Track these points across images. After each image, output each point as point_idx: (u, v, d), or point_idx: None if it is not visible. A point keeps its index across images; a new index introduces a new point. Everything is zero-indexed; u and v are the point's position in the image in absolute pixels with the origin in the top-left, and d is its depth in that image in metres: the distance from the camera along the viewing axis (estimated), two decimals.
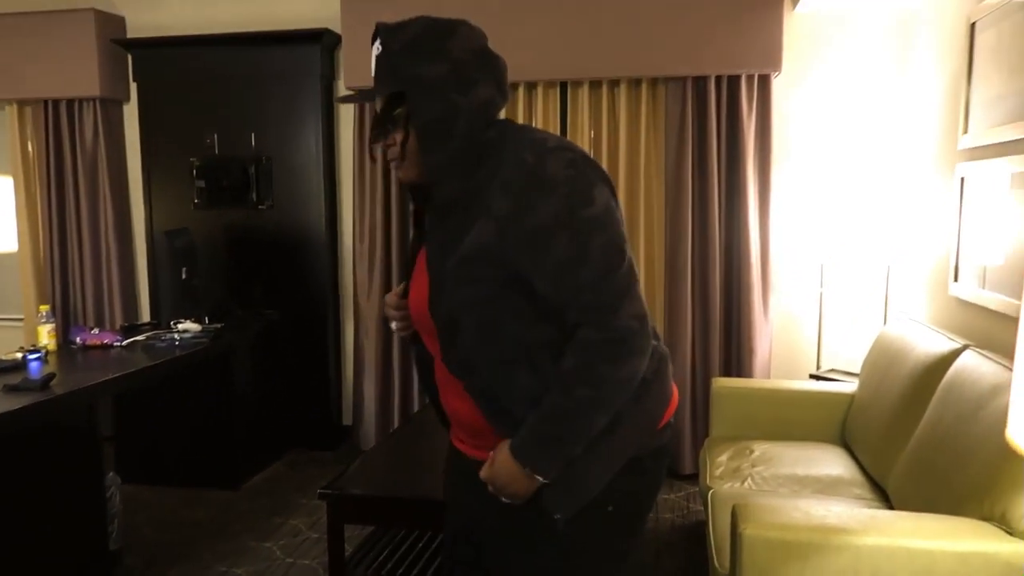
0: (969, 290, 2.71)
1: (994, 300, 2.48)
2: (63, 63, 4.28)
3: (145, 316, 4.51)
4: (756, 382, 3.32)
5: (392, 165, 1.34)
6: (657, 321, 3.89)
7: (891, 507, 2.34)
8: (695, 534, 3.19)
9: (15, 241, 4.48)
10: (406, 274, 1.47)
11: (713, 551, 2.21)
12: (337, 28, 4.07)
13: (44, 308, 3.31)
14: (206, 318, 3.76)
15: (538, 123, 3.87)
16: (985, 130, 2.63)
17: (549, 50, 3.73)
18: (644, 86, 3.78)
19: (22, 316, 4.63)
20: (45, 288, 4.54)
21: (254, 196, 4.20)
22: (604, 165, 3.45)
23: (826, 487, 2.53)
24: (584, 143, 3.84)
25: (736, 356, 3.79)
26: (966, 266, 2.76)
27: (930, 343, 2.56)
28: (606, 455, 1.33)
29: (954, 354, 2.37)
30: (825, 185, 3.76)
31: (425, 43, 1.25)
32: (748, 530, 1.79)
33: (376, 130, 1.32)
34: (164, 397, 3.70)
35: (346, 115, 4.24)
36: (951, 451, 2.06)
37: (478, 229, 1.25)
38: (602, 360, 1.24)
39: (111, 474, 2.98)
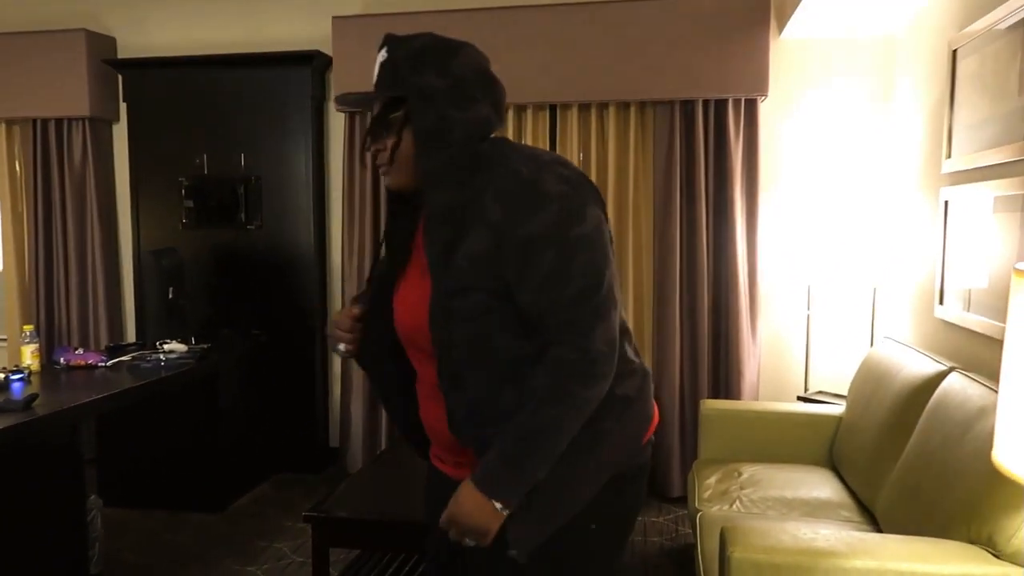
0: (954, 313, 2.73)
1: (979, 323, 2.50)
2: (53, 83, 4.28)
3: (131, 336, 4.47)
4: (744, 404, 3.32)
5: (381, 171, 1.35)
6: (645, 343, 3.89)
7: (879, 530, 2.33)
8: (684, 557, 3.17)
9: (0, 260, 4.45)
10: (383, 290, 1.44)
11: (702, 574, 2.20)
12: (328, 50, 4.10)
13: (28, 328, 3.28)
14: (192, 338, 3.74)
15: None
16: (968, 154, 2.67)
17: (539, 73, 3.77)
18: (632, 109, 3.82)
19: (5, 336, 4.59)
20: (30, 307, 4.50)
21: (243, 216, 4.19)
22: None
23: (814, 509, 2.52)
24: None
25: (724, 378, 3.79)
26: (951, 289, 2.78)
27: (916, 365, 2.57)
28: (592, 472, 1.32)
29: (940, 376, 2.38)
30: (812, 208, 3.79)
31: (429, 56, 1.28)
32: (737, 553, 1.78)
33: (370, 132, 1.33)
34: (149, 419, 3.66)
35: (336, 135, 4.26)
36: (938, 473, 2.06)
37: (473, 238, 1.25)
38: (574, 380, 1.23)
39: (93, 497, 2.94)
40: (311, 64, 4.08)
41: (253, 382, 4.05)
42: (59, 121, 4.36)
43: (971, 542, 1.82)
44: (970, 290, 2.61)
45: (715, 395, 3.80)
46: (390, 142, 1.31)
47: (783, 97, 3.81)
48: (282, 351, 4.20)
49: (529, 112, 3.90)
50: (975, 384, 2.15)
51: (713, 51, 3.66)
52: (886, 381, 2.70)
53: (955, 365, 2.43)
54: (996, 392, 1.98)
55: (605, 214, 1.32)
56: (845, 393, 3.23)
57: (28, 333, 3.23)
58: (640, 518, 3.52)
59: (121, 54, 4.43)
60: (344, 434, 4.19)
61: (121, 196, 4.49)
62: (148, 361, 3.40)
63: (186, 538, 3.37)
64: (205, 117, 4.21)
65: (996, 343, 2.38)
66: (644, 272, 3.90)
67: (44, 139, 4.40)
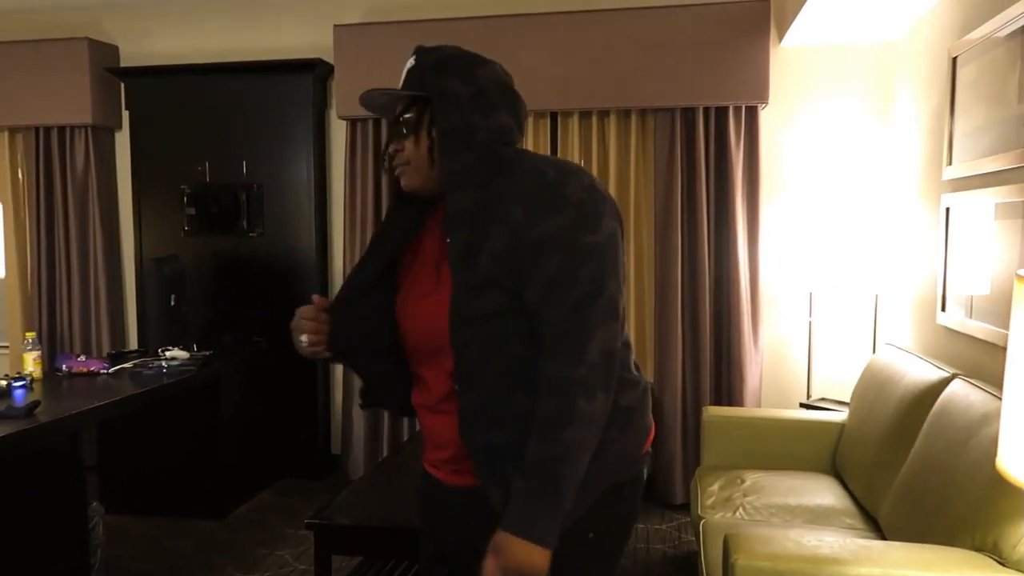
0: (956, 319, 2.73)
1: (981, 329, 2.50)
2: (56, 91, 4.30)
3: (133, 343, 4.48)
4: (747, 411, 3.31)
5: (397, 171, 1.37)
6: (647, 350, 3.89)
7: (883, 537, 2.33)
8: (687, 564, 3.16)
9: (3, 268, 4.44)
10: (360, 289, 1.45)
11: None
12: (329, 58, 4.11)
13: (30, 335, 3.28)
14: (194, 345, 3.74)
15: None
16: (969, 161, 2.67)
17: (539, 80, 3.78)
18: (633, 117, 3.83)
19: (8, 343, 4.59)
20: (32, 315, 4.51)
21: (244, 223, 4.20)
22: None
23: (818, 517, 2.52)
24: None
25: (726, 385, 3.78)
26: (953, 296, 2.78)
27: (919, 372, 2.57)
28: (593, 480, 1.32)
29: (943, 383, 2.38)
30: (813, 215, 3.80)
31: (456, 65, 1.32)
32: (741, 560, 1.78)
33: (392, 131, 1.37)
34: (150, 426, 3.66)
35: (337, 143, 4.27)
36: (942, 480, 2.06)
37: (494, 238, 1.26)
38: (578, 396, 1.22)
39: (94, 504, 2.93)
40: (312, 72, 4.09)
41: (255, 389, 4.05)
42: (62, 129, 4.38)
43: (976, 549, 1.82)
44: (972, 297, 2.61)
45: (717, 402, 3.80)
46: (408, 143, 1.34)
47: (784, 105, 3.82)
48: (284, 358, 4.19)
49: (530, 120, 3.91)
50: (978, 391, 2.15)
51: (714, 59, 3.67)
52: (889, 388, 2.70)
53: (958, 372, 2.43)
54: (999, 399, 1.98)
55: (622, 230, 1.33)
56: (847, 400, 3.22)
57: (30, 340, 3.23)
58: (643, 525, 3.52)
59: (123, 62, 4.44)
60: (346, 440, 4.19)
61: (123, 203, 4.51)
62: (150, 368, 3.39)
63: (187, 545, 3.37)
64: (207, 125, 4.22)
65: (999, 350, 2.38)
66: (646, 279, 3.90)
67: (47, 147, 4.41)
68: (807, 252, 3.73)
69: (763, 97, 3.67)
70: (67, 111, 4.30)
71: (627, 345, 1.38)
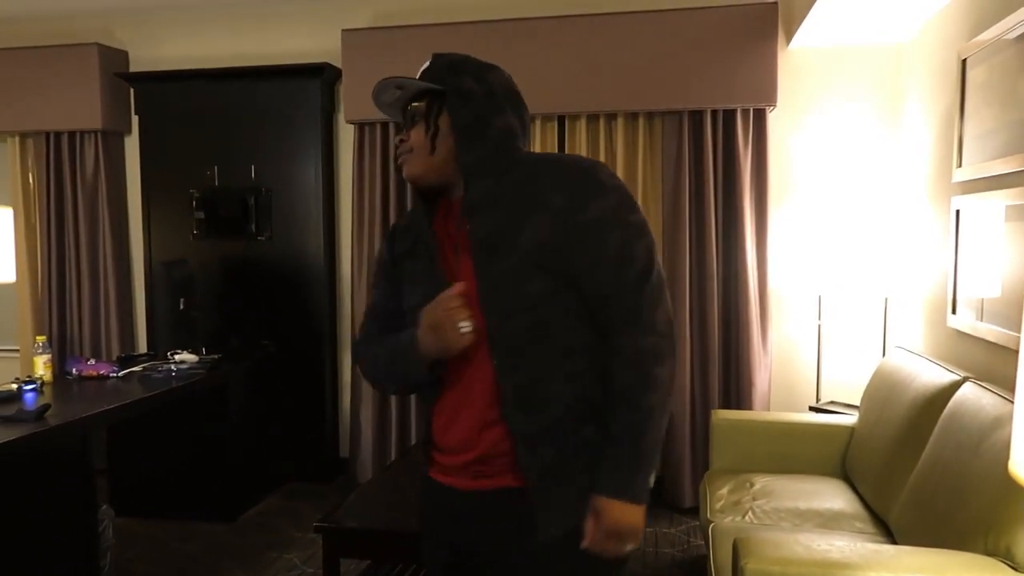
0: (967, 322, 2.72)
1: (992, 332, 2.49)
2: (66, 96, 4.33)
3: (142, 347, 4.49)
4: (756, 414, 3.30)
5: (400, 160, 1.42)
6: None
7: (893, 541, 2.31)
8: (696, 569, 3.15)
9: (13, 272, 4.48)
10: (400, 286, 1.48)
11: None
12: (337, 63, 4.13)
13: (41, 339, 3.30)
14: (203, 349, 3.75)
15: None
16: (979, 164, 2.66)
17: (547, 84, 3.78)
18: (641, 120, 3.82)
19: (18, 347, 4.62)
20: (42, 319, 4.53)
21: (253, 227, 4.21)
22: None
23: (828, 521, 2.50)
24: None
25: (735, 388, 3.77)
26: (963, 298, 2.77)
27: (929, 375, 2.56)
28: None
29: (954, 386, 2.37)
30: (822, 217, 3.79)
31: (468, 67, 1.40)
32: (751, 564, 1.77)
33: (404, 118, 1.43)
34: (159, 429, 3.67)
35: (345, 147, 4.28)
36: (953, 484, 2.04)
37: (534, 226, 1.31)
38: (654, 365, 1.31)
39: (104, 507, 2.95)
40: (321, 76, 4.11)
41: (263, 392, 4.06)
42: (72, 134, 4.41)
43: (988, 554, 1.80)
44: (983, 299, 2.59)
45: (726, 405, 3.79)
46: (414, 132, 1.39)
47: (792, 107, 3.81)
48: (292, 361, 4.21)
49: (538, 123, 3.91)
50: (989, 394, 2.13)
51: (721, 61, 3.66)
52: (899, 391, 2.69)
53: (969, 375, 2.41)
54: (1011, 402, 1.97)
55: None
56: (857, 403, 3.21)
57: (40, 344, 3.25)
58: (652, 529, 3.51)
59: (133, 67, 4.47)
60: (354, 444, 4.19)
61: (132, 208, 4.53)
62: (159, 371, 3.41)
63: (196, 548, 3.37)
64: (216, 129, 4.25)
65: (1010, 352, 2.36)
66: None
67: (57, 152, 4.44)
68: (816, 254, 3.72)
69: (771, 100, 3.66)
70: (77, 116, 4.33)
71: None
